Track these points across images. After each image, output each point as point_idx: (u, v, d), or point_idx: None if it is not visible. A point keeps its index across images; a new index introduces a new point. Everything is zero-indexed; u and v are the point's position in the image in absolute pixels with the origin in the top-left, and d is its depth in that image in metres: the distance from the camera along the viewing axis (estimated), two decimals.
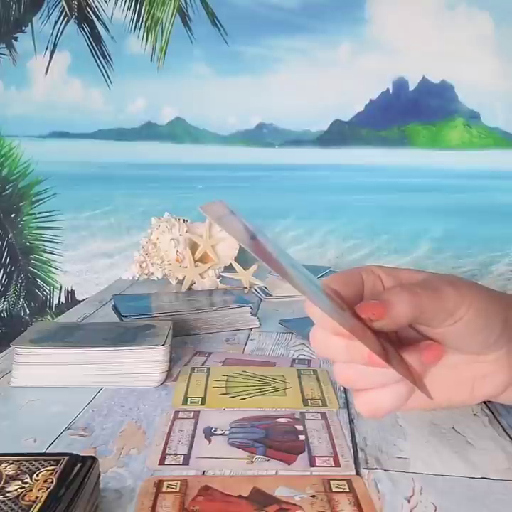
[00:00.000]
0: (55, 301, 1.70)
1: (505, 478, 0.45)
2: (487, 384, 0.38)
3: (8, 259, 1.68)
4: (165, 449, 0.49)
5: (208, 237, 1.16)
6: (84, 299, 1.18)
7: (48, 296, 1.70)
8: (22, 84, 1.61)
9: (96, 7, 1.55)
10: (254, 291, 1.11)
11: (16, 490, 0.35)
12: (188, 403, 0.59)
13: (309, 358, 0.73)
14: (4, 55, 1.59)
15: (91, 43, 1.56)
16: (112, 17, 1.55)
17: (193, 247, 1.16)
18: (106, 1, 1.55)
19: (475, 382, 0.38)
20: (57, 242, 1.66)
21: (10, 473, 0.37)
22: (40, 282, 1.69)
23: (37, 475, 0.37)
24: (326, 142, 1.59)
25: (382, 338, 0.34)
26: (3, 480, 0.36)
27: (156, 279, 1.16)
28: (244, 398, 0.60)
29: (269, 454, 0.48)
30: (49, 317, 1.69)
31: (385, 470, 0.46)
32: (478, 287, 0.36)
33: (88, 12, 1.55)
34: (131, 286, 1.16)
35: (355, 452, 0.49)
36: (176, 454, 0.48)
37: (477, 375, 0.38)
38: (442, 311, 0.34)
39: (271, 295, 1.07)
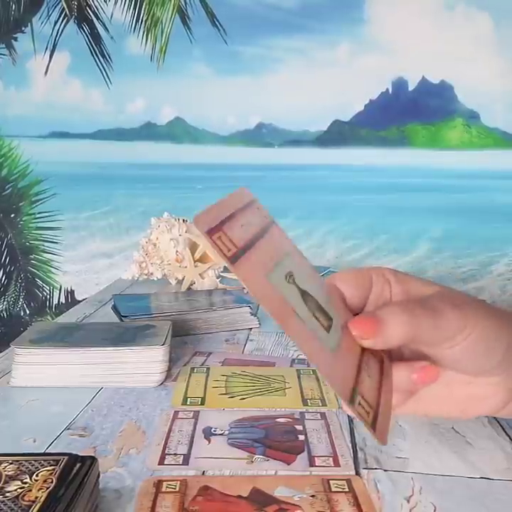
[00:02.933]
0: (55, 301, 1.70)
1: (504, 478, 0.45)
2: (484, 405, 0.37)
3: (7, 259, 1.68)
4: (164, 449, 0.49)
5: None
6: (83, 299, 1.18)
7: (48, 296, 1.70)
8: (22, 84, 1.61)
9: (96, 7, 1.55)
10: None
11: (15, 490, 0.35)
12: (188, 403, 0.59)
13: None
14: (4, 55, 1.59)
15: (90, 43, 1.56)
16: (111, 17, 1.55)
17: (193, 247, 1.16)
18: (106, 1, 1.55)
19: (469, 402, 0.37)
20: (56, 242, 1.66)
21: (9, 473, 0.37)
22: (39, 282, 1.69)
23: (36, 475, 0.37)
24: (326, 142, 1.59)
25: (370, 352, 0.34)
26: (3, 480, 0.36)
27: (155, 279, 1.16)
28: (243, 398, 0.60)
29: (268, 454, 0.48)
30: (49, 317, 1.69)
31: (385, 470, 0.46)
32: (486, 310, 0.35)
33: (88, 12, 1.55)
34: (130, 286, 1.16)
35: (355, 452, 0.49)
36: (175, 454, 0.48)
37: (472, 396, 0.37)
38: (439, 337, 0.33)
39: None
